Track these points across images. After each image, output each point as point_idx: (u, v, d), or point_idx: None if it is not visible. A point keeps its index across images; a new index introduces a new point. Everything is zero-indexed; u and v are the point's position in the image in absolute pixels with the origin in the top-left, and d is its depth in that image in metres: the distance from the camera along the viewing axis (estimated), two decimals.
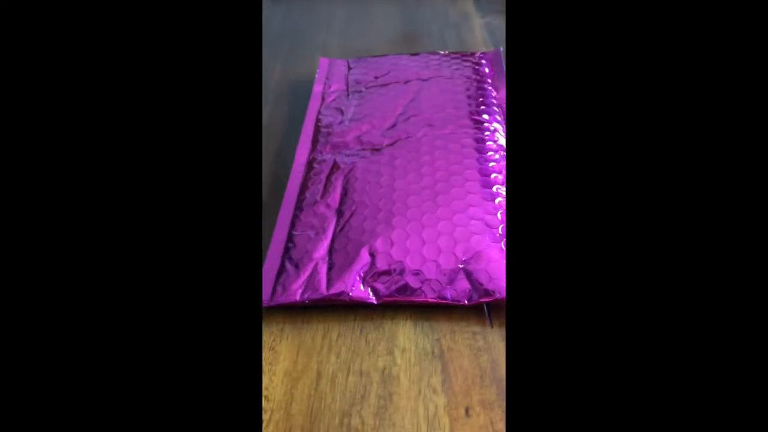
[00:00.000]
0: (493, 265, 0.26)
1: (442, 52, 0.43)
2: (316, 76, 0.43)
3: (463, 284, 0.26)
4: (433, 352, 0.25)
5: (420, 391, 0.24)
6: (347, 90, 0.41)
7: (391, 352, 0.26)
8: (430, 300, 0.26)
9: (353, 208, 0.30)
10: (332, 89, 0.41)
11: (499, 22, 0.53)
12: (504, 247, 0.27)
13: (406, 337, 0.26)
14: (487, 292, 0.26)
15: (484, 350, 0.25)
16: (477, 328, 0.26)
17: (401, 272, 0.26)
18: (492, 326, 0.26)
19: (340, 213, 0.30)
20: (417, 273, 0.26)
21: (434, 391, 0.24)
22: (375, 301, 0.26)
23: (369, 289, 0.27)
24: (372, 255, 0.27)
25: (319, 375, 0.25)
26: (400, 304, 0.27)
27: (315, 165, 0.34)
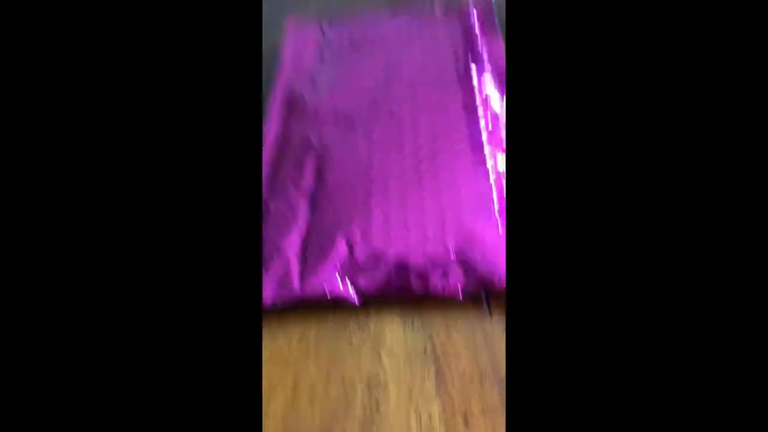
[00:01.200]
0: (490, 251, 0.23)
1: (425, 9, 0.38)
2: (284, 41, 0.38)
3: (457, 274, 0.23)
4: (425, 352, 0.22)
5: (411, 398, 0.21)
6: (320, 56, 0.36)
7: (377, 355, 0.22)
8: (419, 294, 0.23)
9: (326, 189, 0.26)
10: (303, 56, 0.37)
11: None
12: (501, 230, 0.23)
13: (394, 336, 0.23)
14: (484, 282, 0.23)
15: (484, 347, 0.22)
16: (475, 321, 0.23)
17: (384, 264, 0.23)
18: (491, 317, 0.23)
19: (313, 198, 0.26)
20: (403, 265, 0.23)
21: (428, 397, 0.21)
22: (357, 302, 0.23)
23: (350, 286, 0.23)
24: (350, 245, 0.24)
25: (295, 386, 0.22)
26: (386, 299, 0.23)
27: (284, 143, 0.30)
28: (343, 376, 0.22)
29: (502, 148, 0.27)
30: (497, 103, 0.31)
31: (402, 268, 0.23)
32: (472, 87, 0.31)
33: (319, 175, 0.27)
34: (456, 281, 0.23)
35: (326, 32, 0.39)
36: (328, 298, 0.23)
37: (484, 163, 0.26)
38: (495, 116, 0.29)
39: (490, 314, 0.23)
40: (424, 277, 0.23)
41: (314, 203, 0.26)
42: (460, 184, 0.25)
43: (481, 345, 0.22)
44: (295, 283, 0.23)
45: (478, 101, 0.30)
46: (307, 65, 0.36)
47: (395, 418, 0.20)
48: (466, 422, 0.20)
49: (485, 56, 0.34)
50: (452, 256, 0.23)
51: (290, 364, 0.22)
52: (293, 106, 0.32)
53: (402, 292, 0.23)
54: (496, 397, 0.21)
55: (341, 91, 0.32)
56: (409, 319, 0.24)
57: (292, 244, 0.24)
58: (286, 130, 0.31)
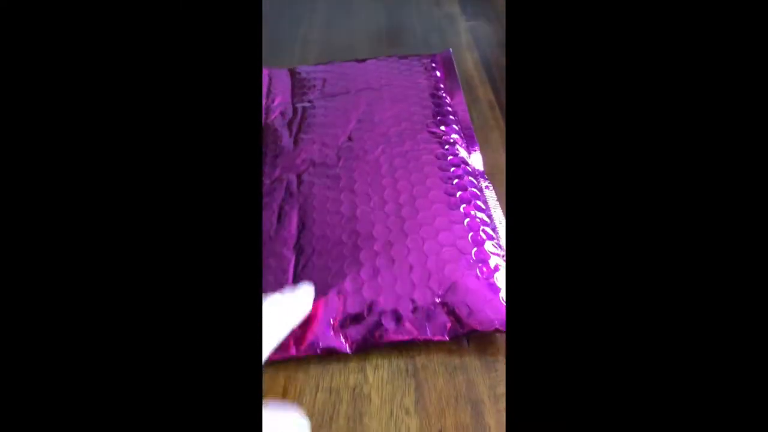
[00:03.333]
0: (472, 297, 0.25)
1: (391, 58, 0.41)
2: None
3: (443, 319, 0.24)
4: (407, 370, 0.24)
5: (392, 412, 0.23)
6: (292, 102, 0.37)
7: (363, 369, 0.24)
8: (406, 339, 0.24)
9: (314, 243, 0.27)
10: (276, 103, 0.38)
11: (484, 28, 0.49)
12: (479, 274, 0.25)
13: (379, 352, 0.25)
14: (468, 326, 0.24)
15: (460, 369, 0.24)
16: (453, 346, 0.25)
17: (376, 313, 0.24)
18: (468, 345, 0.25)
19: (299, 250, 0.27)
20: (393, 312, 0.24)
21: (407, 412, 0.23)
22: (349, 351, 0.24)
23: (341, 336, 0.24)
24: (343, 297, 0.25)
25: (285, 391, 0.23)
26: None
27: (263, 190, 0.31)
28: (330, 386, 0.23)
29: (473, 193, 0.29)
30: (462, 149, 0.33)
31: (392, 316, 0.24)
32: (440, 135, 0.33)
33: (303, 226, 0.28)
34: (442, 326, 0.24)
35: (297, 77, 0.40)
36: (319, 352, 0.24)
37: (457, 209, 0.28)
38: (462, 161, 0.32)
39: (468, 342, 0.25)
40: (413, 324, 0.24)
41: (300, 256, 0.27)
42: (438, 232, 0.27)
43: (458, 367, 0.24)
44: (290, 342, 0.24)
45: (447, 149, 0.32)
46: (280, 112, 0.37)
47: (377, 430, 0.22)
48: None
49: (447, 102, 0.36)
50: (438, 304, 0.25)
51: (281, 370, 0.24)
52: (270, 154, 0.33)
53: (393, 338, 0.24)
54: (467, 415, 0.23)
55: (317, 138, 0.33)
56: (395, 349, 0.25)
57: None
58: (264, 176, 0.31)
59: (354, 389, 0.23)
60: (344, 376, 0.24)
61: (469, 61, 0.44)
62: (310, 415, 0.22)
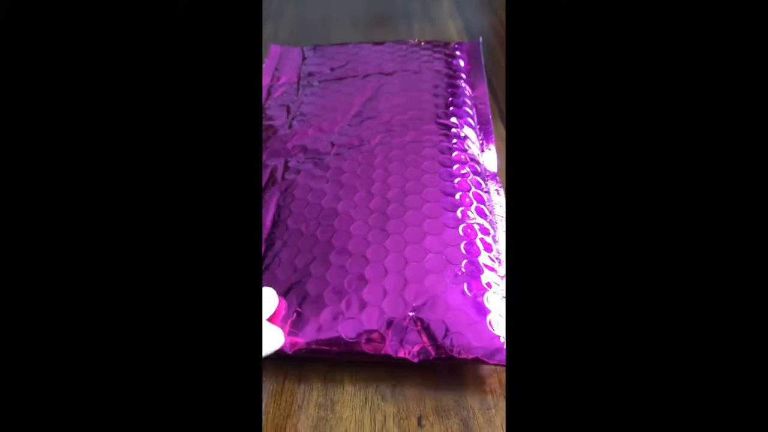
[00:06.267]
0: (453, 315, 0.21)
1: (412, 41, 0.37)
2: (264, 65, 0.37)
3: (413, 337, 0.21)
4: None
5: (367, 399, 0.21)
6: (298, 83, 0.35)
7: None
8: (368, 354, 0.21)
9: (285, 237, 0.24)
10: (281, 81, 0.35)
11: None
12: (467, 290, 0.21)
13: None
14: (443, 349, 0.20)
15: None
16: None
17: (335, 319, 0.21)
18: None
19: (269, 243, 0.24)
20: (354, 321, 0.21)
21: (383, 398, 0.21)
22: (289, 351, 0.21)
23: (289, 338, 0.21)
24: (302, 299, 0.22)
25: None
26: (333, 354, 0.21)
27: None
28: (299, 372, 0.22)
29: (476, 195, 0.25)
30: (474, 146, 0.29)
31: (353, 326, 0.21)
32: (449, 127, 0.29)
33: (279, 217, 0.25)
34: (412, 346, 0.21)
35: (308, 57, 0.37)
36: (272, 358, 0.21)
37: (454, 212, 0.24)
38: (472, 159, 0.28)
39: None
40: (376, 339, 0.21)
41: (270, 250, 0.24)
42: (425, 236, 0.23)
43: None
44: None
45: (455, 143, 0.28)
46: (283, 91, 0.34)
47: (350, 418, 0.20)
48: (420, 423, 0.20)
49: (467, 94, 0.32)
50: (410, 318, 0.21)
51: None
52: (263, 135, 0.31)
53: (353, 351, 0.21)
54: (450, 399, 0.20)
55: (314, 123, 0.31)
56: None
57: None
58: None
59: (326, 375, 0.21)
60: (314, 361, 0.21)
61: (452, 28, 0.44)
62: (277, 405, 0.20)
